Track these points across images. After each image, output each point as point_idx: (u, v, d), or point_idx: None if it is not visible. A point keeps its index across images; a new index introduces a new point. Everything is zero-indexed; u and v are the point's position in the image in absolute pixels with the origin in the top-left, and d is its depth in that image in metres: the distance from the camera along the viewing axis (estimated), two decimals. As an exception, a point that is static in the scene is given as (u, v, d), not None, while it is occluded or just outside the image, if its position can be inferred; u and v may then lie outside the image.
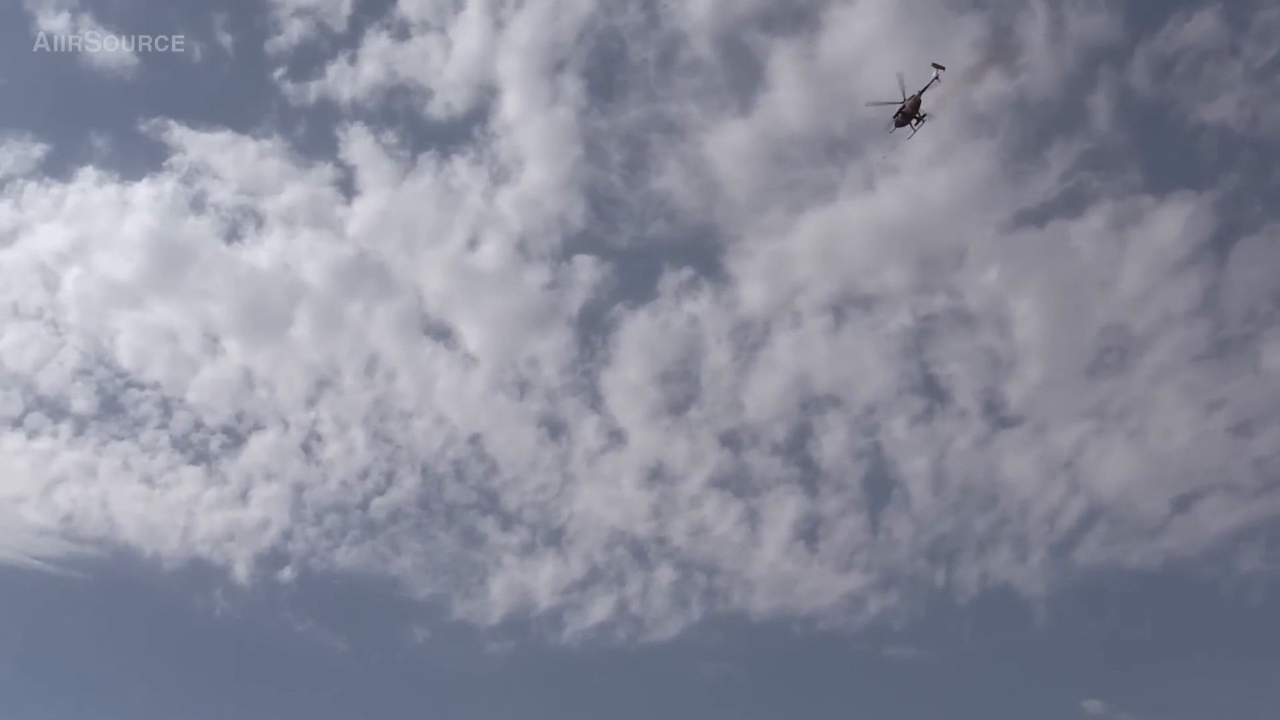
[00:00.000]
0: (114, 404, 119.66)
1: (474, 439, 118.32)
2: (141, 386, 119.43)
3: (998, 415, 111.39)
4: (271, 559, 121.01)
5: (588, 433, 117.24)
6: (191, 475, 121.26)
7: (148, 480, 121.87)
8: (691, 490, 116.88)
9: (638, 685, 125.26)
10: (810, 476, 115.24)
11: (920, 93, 68.97)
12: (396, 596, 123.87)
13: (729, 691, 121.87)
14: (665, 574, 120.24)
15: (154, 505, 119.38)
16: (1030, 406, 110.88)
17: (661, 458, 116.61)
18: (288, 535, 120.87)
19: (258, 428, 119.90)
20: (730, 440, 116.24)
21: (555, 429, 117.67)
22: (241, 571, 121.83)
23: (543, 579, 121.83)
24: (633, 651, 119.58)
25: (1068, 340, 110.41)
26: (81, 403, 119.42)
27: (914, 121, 70.65)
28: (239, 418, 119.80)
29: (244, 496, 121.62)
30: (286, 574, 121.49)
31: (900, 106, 69.79)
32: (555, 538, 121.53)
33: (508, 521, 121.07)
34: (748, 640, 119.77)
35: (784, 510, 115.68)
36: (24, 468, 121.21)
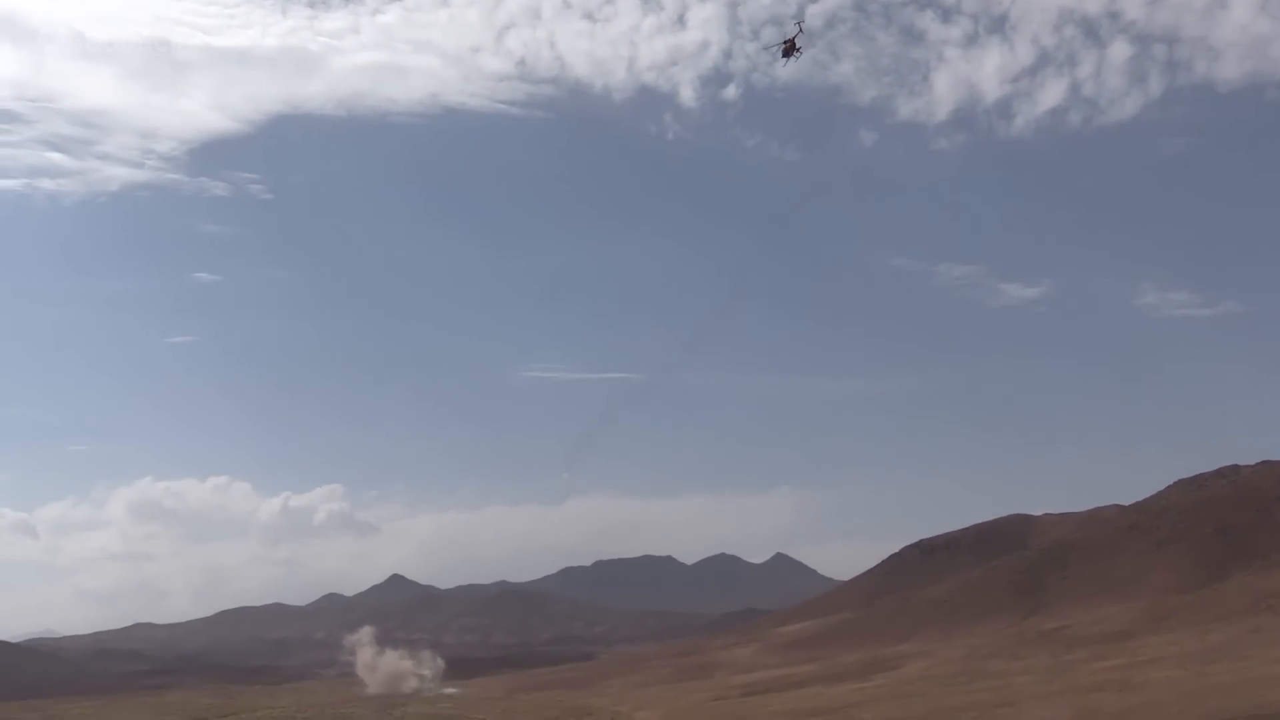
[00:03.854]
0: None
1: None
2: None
3: None
4: (715, 79, 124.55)
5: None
6: (629, 5, 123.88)
7: (588, 15, 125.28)
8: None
9: (1094, 169, 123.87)
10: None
11: (794, 37, 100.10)
12: (840, 103, 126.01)
13: (1194, 168, 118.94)
14: (1120, 50, 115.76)
15: (597, 40, 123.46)
16: None
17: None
18: (727, 54, 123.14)
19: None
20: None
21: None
22: (687, 94, 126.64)
23: (989, 69, 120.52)
24: (1088, 135, 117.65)
25: None
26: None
27: (795, 52, 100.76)
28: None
29: (681, 20, 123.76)
30: (730, 92, 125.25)
31: (782, 45, 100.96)
32: (999, 25, 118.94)
33: (947, 14, 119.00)
34: (1214, 112, 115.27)
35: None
36: (475, 18, 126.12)
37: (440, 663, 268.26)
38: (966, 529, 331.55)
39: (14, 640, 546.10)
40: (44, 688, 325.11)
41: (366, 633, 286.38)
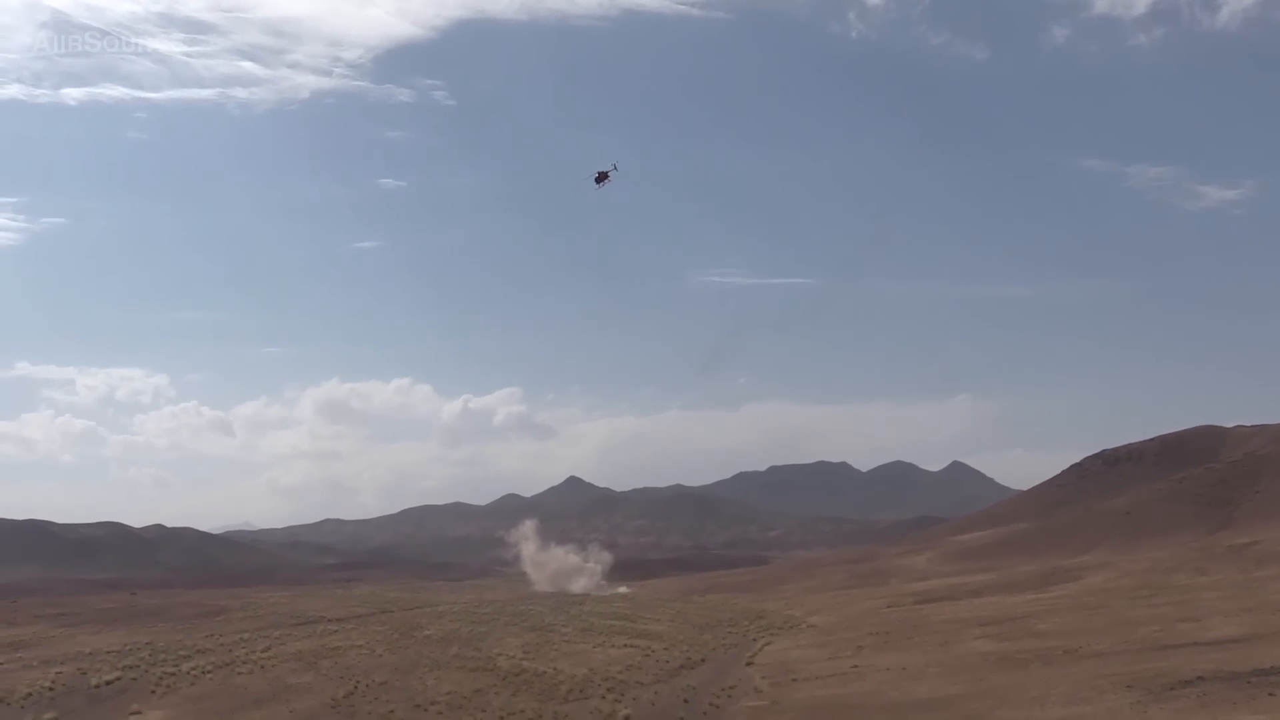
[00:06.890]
0: None
1: None
2: None
3: None
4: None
5: None
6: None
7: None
8: None
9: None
10: None
11: (609, 171, 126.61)
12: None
13: None
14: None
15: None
16: None
17: None
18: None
19: None
20: None
21: None
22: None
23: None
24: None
25: None
26: None
27: (606, 181, 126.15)
28: None
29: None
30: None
31: (596, 175, 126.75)
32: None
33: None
34: None
35: None
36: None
37: (608, 557, 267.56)
38: (1152, 440, 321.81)
39: (214, 532, 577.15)
40: (242, 576, 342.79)
41: (529, 526, 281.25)
